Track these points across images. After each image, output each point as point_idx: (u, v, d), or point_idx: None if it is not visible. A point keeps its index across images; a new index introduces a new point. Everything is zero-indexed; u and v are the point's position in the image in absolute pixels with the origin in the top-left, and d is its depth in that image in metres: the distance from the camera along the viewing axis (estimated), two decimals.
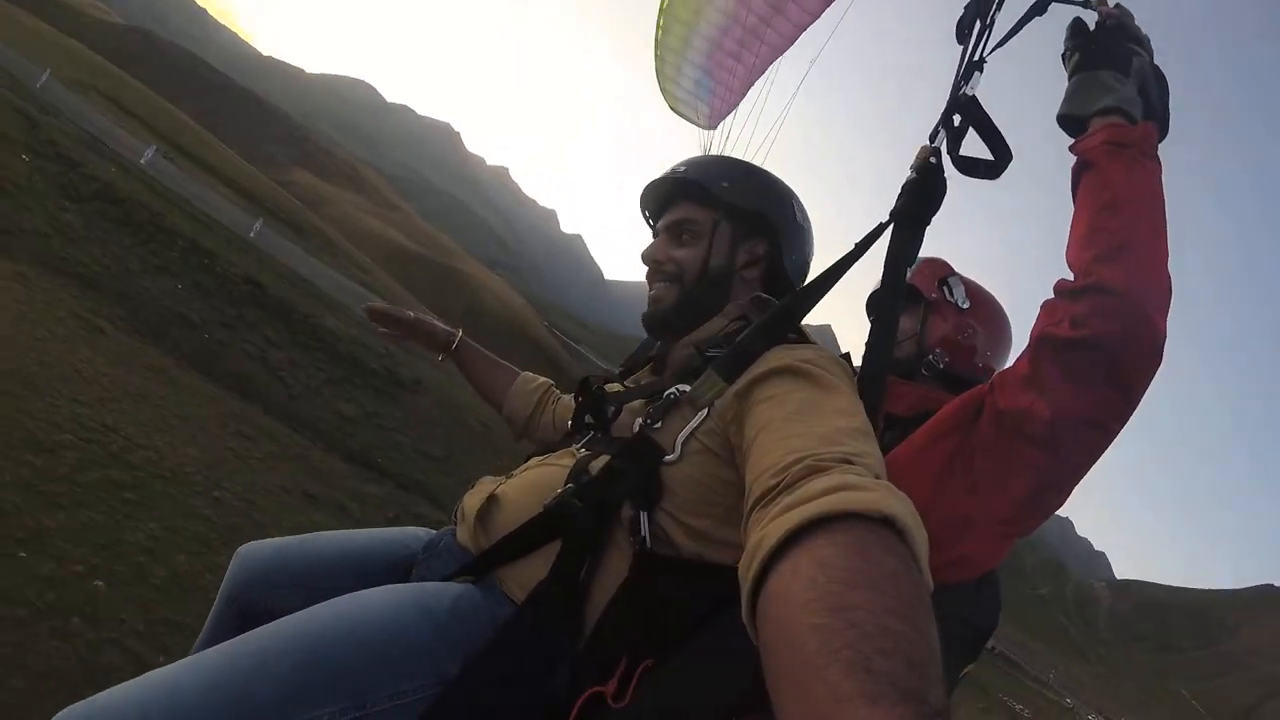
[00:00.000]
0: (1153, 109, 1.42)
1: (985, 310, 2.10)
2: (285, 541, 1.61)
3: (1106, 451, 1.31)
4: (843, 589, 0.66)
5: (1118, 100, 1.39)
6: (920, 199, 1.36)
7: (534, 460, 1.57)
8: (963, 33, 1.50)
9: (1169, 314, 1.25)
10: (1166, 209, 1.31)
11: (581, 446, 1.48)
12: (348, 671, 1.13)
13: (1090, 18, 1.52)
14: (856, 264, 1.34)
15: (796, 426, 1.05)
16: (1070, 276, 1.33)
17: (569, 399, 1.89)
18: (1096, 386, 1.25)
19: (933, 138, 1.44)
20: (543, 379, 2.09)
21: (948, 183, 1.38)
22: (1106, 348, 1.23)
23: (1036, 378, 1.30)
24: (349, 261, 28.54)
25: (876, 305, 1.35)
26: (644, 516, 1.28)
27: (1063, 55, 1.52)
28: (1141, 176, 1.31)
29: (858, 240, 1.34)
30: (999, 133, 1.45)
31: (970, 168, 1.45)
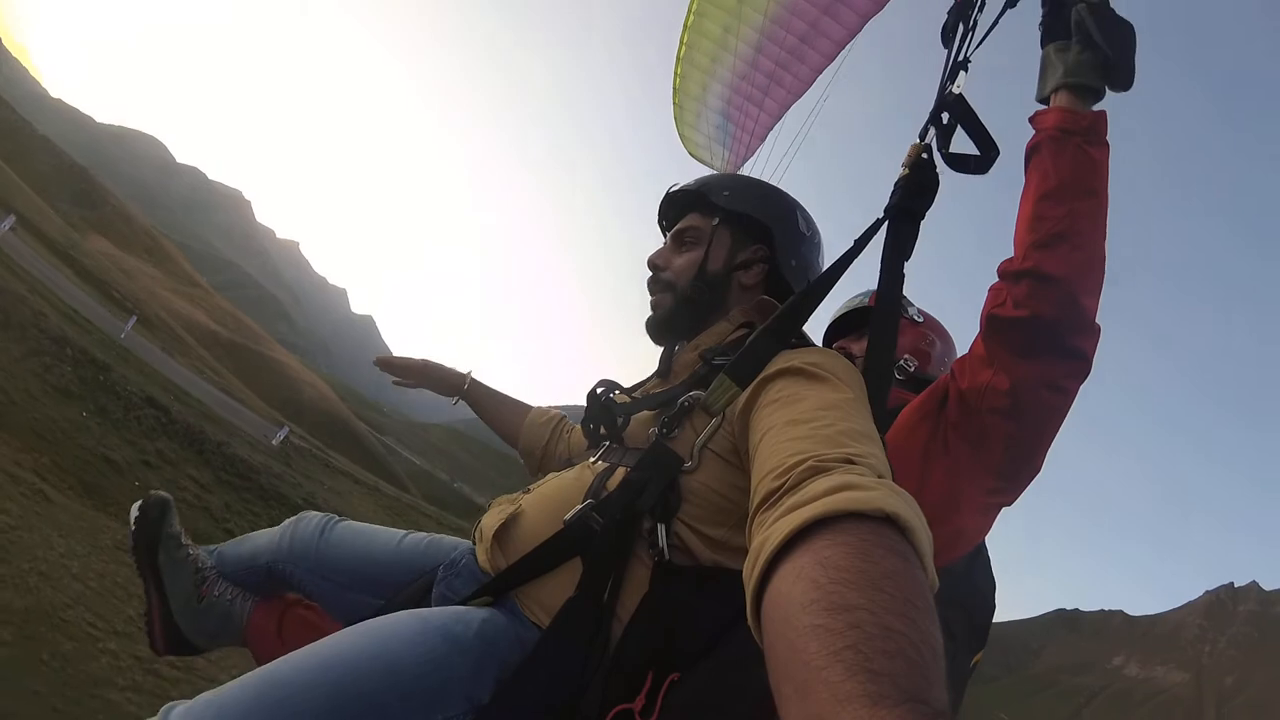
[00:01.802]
0: (1101, 55, 1.35)
1: (935, 323, 2.26)
2: (334, 529, 1.66)
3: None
4: (844, 589, 0.64)
5: (1062, 77, 1.37)
6: (914, 194, 1.35)
7: (550, 475, 1.52)
8: (947, 36, 1.51)
9: (1101, 292, 1.31)
10: (1108, 194, 1.33)
11: (597, 459, 1.42)
12: (379, 705, 1.07)
13: None
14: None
15: (800, 429, 1.01)
16: (1013, 254, 1.36)
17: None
18: (1044, 356, 1.30)
19: (922, 135, 1.43)
20: (555, 411, 2.02)
21: (939, 177, 1.38)
22: (1044, 324, 1.29)
23: (990, 355, 1.35)
24: (201, 362, 25.39)
25: (876, 302, 1.34)
26: (660, 528, 1.23)
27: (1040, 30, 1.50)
28: (1084, 166, 1.31)
29: (855, 238, 1.35)
30: (984, 128, 1.44)
31: (960, 164, 1.44)
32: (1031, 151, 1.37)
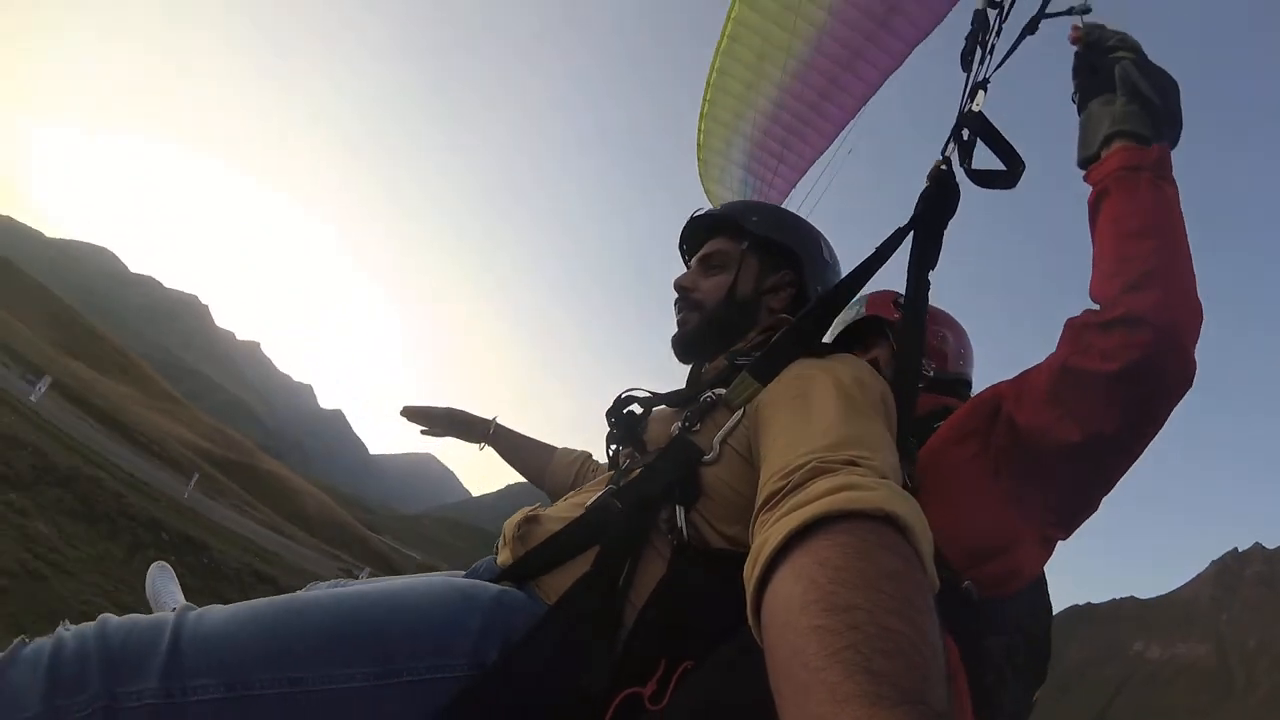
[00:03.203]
0: (1151, 108, 1.26)
1: (944, 316, 2.12)
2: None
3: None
4: (843, 589, 0.63)
5: (1113, 124, 1.26)
6: (936, 206, 1.36)
7: (572, 492, 1.51)
8: (966, 59, 1.49)
9: (1198, 340, 1.15)
10: (1187, 232, 1.20)
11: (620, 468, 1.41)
12: (386, 636, 1.07)
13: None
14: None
15: (809, 433, 1.00)
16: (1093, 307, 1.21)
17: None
18: (1126, 414, 1.15)
19: (943, 152, 1.43)
20: (580, 450, 2.03)
21: (960, 189, 1.38)
22: (1138, 380, 1.13)
23: (1061, 401, 1.19)
24: (240, 500, 23.68)
25: (903, 310, 1.37)
26: (680, 511, 1.22)
27: (1072, 98, 1.39)
28: (1162, 200, 1.19)
29: (878, 245, 1.35)
30: (1008, 143, 1.40)
31: (986, 180, 1.42)
32: (1098, 200, 1.24)
